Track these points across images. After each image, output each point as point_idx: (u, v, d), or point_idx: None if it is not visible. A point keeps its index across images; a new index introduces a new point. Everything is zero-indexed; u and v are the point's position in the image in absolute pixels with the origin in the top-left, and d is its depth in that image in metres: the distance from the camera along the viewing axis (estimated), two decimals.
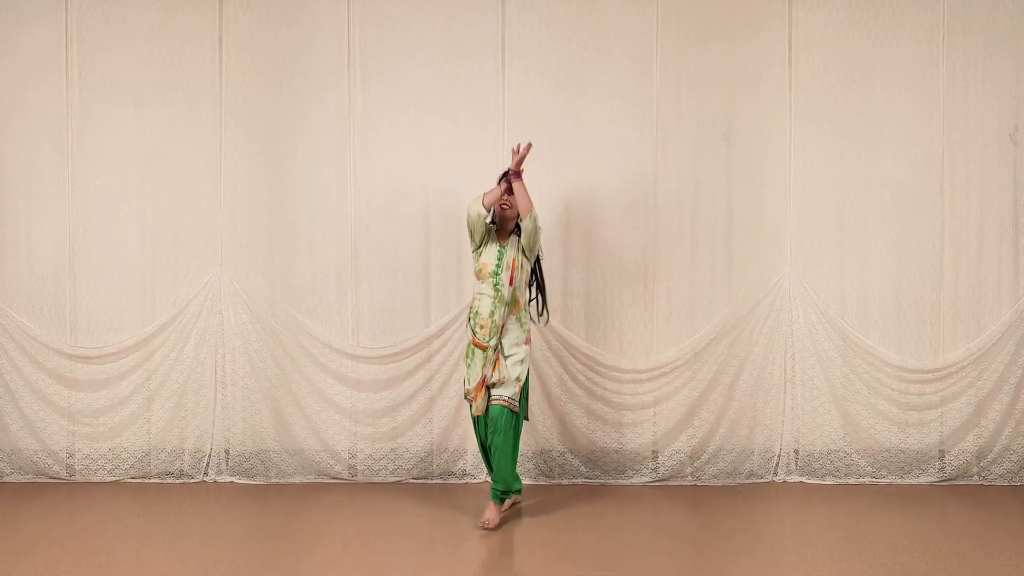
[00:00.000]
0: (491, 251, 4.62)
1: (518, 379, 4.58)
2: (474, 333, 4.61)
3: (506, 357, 4.58)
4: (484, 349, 4.57)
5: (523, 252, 4.61)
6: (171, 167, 5.39)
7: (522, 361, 4.61)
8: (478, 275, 4.62)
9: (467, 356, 4.66)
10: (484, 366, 4.58)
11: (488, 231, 4.64)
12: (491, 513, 4.61)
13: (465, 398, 4.71)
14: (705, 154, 5.40)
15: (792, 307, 5.40)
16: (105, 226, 5.40)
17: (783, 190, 5.41)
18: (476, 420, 4.69)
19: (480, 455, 4.95)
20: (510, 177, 4.55)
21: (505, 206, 4.60)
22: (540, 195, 5.05)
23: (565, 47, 5.37)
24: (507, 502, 4.74)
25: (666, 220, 5.41)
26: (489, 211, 4.55)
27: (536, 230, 4.53)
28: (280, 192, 5.40)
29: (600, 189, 5.37)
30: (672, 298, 5.41)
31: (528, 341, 4.67)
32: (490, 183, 4.90)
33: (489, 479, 4.85)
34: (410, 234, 5.39)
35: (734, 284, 5.41)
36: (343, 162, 5.39)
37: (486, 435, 4.65)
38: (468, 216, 4.56)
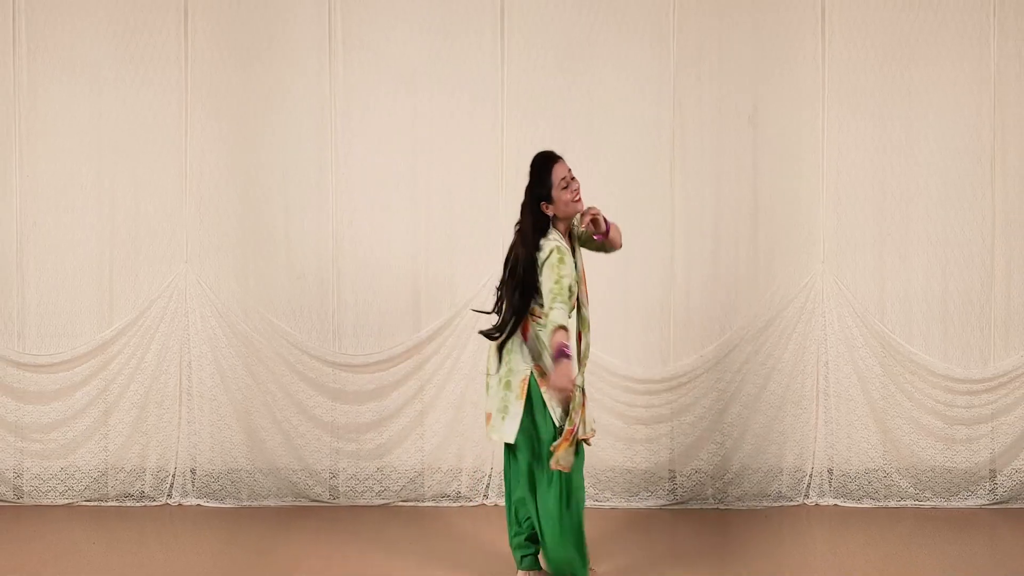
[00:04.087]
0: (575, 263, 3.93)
1: None
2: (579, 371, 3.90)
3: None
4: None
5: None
6: (131, 153, 5.31)
7: None
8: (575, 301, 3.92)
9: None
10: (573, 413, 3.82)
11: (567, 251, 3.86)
12: None
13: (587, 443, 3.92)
14: (728, 139, 5.30)
15: (825, 309, 5.29)
16: (57, 219, 5.32)
17: (815, 179, 5.31)
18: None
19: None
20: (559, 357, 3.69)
21: (577, 197, 3.86)
22: None
23: (571, 18, 5.27)
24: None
25: (684, 212, 5.30)
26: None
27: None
28: (253, 181, 5.33)
29: (611, 177, 5.21)
30: (691, 299, 5.31)
31: None
32: (486, 172, 5.13)
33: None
34: (398, 227, 5.30)
35: (760, 284, 5.31)
36: (323, 147, 5.31)
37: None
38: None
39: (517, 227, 3.87)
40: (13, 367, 5.22)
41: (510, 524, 3.99)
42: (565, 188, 3.80)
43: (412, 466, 5.28)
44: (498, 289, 3.93)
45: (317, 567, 4.29)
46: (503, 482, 4.19)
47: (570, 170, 3.87)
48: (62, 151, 5.27)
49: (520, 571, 3.99)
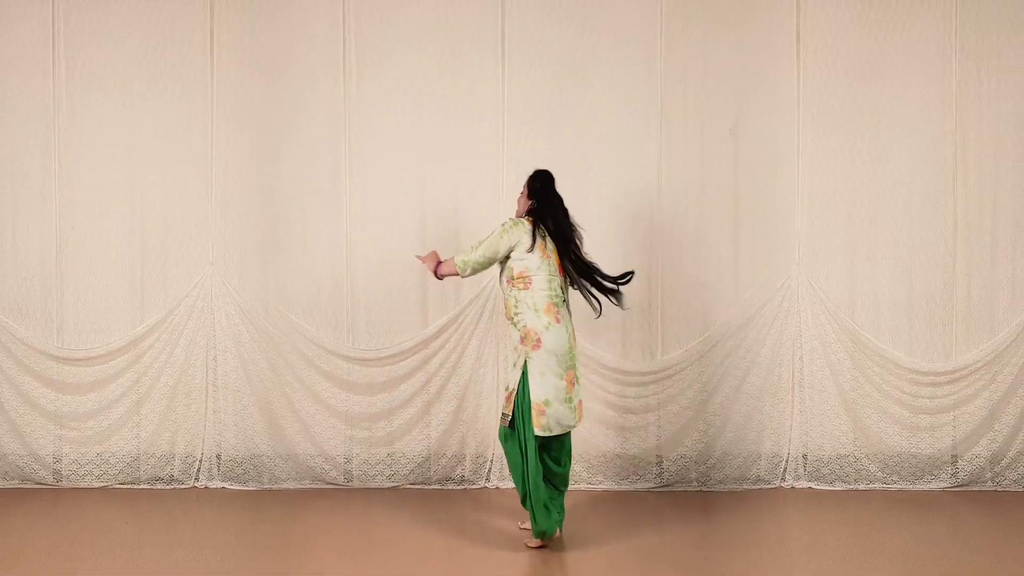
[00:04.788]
0: None
1: (507, 387, 4.37)
2: None
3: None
4: None
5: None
6: (161, 163, 5.39)
7: (514, 365, 4.35)
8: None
9: None
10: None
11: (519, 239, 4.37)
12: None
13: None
14: (711, 150, 5.39)
15: (800, 308, 5.40)
16: (93, 224, 5.41)
17: (791, 187, 5.41)
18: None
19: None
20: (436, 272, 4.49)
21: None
22: None
23: (567, 39, 5.36)
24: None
25: (671, 217, 5.40)
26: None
27: (469, 266, 4.35)
28: (273, 189, 5.41)
29: (603, 185, 5.35)
30: (677, 298, 5.40)
31: (524, 340, 4.28)
32: (488, 180, 5.27)
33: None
34: (406, 232, 5.38)
35: (741, 284, 5.41)
36: (338, 157, 5.40)
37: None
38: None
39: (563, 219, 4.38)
40: (52, 361, 5.31)
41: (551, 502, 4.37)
42: None
43: (419, 452, 5.36)
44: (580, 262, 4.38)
45: (333, 543, 4.39)
46: (523, 468, 4.33)
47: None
48: (97, 161, 5.35)
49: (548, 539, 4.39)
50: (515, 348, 4.33)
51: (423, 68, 5.36)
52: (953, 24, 5.33)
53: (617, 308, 5.13)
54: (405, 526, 4.68)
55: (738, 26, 5.36)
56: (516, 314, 4.32)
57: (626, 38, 5.36)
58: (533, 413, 4.21)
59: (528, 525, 4.41)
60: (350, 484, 5.38)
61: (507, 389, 4.33)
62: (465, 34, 5.35)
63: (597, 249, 5.12)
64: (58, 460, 5.36)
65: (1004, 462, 5.36)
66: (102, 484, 5.37)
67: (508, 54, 5.35)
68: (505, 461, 5.06)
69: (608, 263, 5.16)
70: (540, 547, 4.36)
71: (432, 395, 5.37)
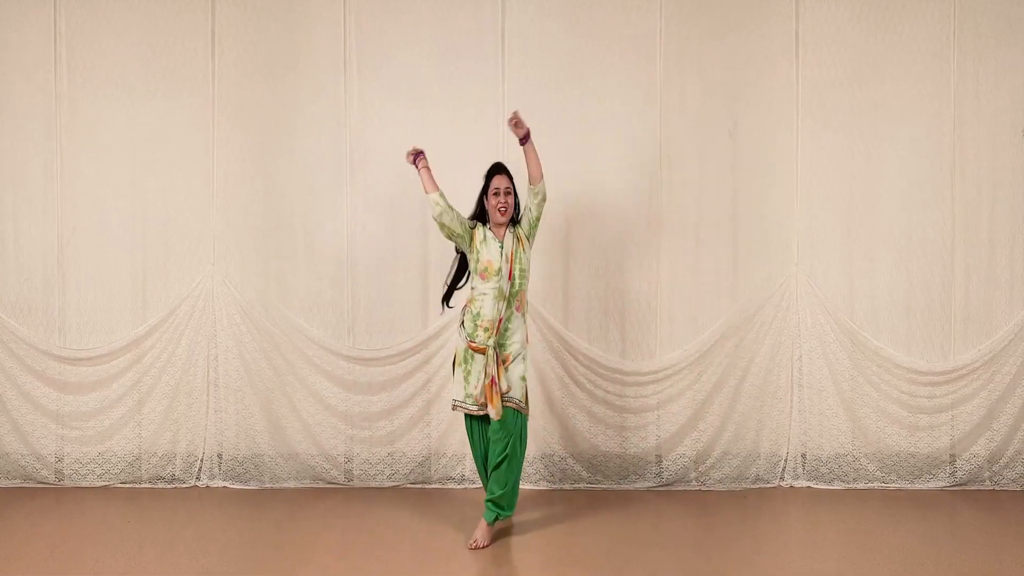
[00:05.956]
0: (493, 247, 4.49)
1: (523, 378, 4.48)
2: (472, 338, 4.44)
3: (513, 358, 4.46)
4: (484, 352, 4.41)
5: (525, 239, 4.53)
6: (162, 163, 5.42)
7: (524, 359, 4.51)
8: (483, 274, 4.47)
9: (464, 363, 4.49)
10: (487, 367, 4.41)
11: (472, 226, 4.54)
12: (482, 531, 4.45)
13: (454, 408, 4.56)
14: (710, 151, 5.41)
15: (799, 307, 5.41)
16: (95, 224, 5.43)
17: (790, 188, 5.42)
18: (473, 429, 4.57)
19: (477, 468, 4.70)
20: (522, 141, 4.51)
21: (502, 208, 4.49)
22: None
23: (566, 40, 5.39)
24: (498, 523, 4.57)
25: (670, 219, 5.42)
26: (431, 193, 4.49)
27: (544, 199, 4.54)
28: (275, 189, 5.43)
29: (603, 187, 5.37)
30: (676, 299, 5.43)
31: (527, 339, 4.61)
32: None
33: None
34: (408, 232, 5.41)
35: (740, 284, 5.43)
36: (340, 158, 5.42)
37: (486, 445, 4.53)
38: (437, 223, 4.50)
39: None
40: (55, 360, 5.34)
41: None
42: (496, 195, 4.50)
43: (419, 451, 5.37)
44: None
45: (333, 542, 4.41)
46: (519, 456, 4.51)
47: (507, 185, 4.50)
48: (99, 162, 5.37)
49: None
50: (521, 343, 4.49)
51: (424, 70, 5.38)
52: (951, 25, 5.36)
53: (616, 309, 5.41)
54: (405, 525, 4.70)
55: (737, 28, 5.38)
56: (527, 307, 4.58)
57: (625, 40, 5.38)
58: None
59: (479, 537, 4.43)
60: (351, 483, 5.40)
61: (523, 379, 4.48)
62: (465, 35, 5.37)
63: (596, 251, 5.40)
64: (60, 459, 5.39)
65: (1002, 461, 5.39)
66: (104, 483, 5.39)
67: (508, 55, 5.37)
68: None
69: (608, 264, 5.43)
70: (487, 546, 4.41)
71: (432, 395, 5.38)
